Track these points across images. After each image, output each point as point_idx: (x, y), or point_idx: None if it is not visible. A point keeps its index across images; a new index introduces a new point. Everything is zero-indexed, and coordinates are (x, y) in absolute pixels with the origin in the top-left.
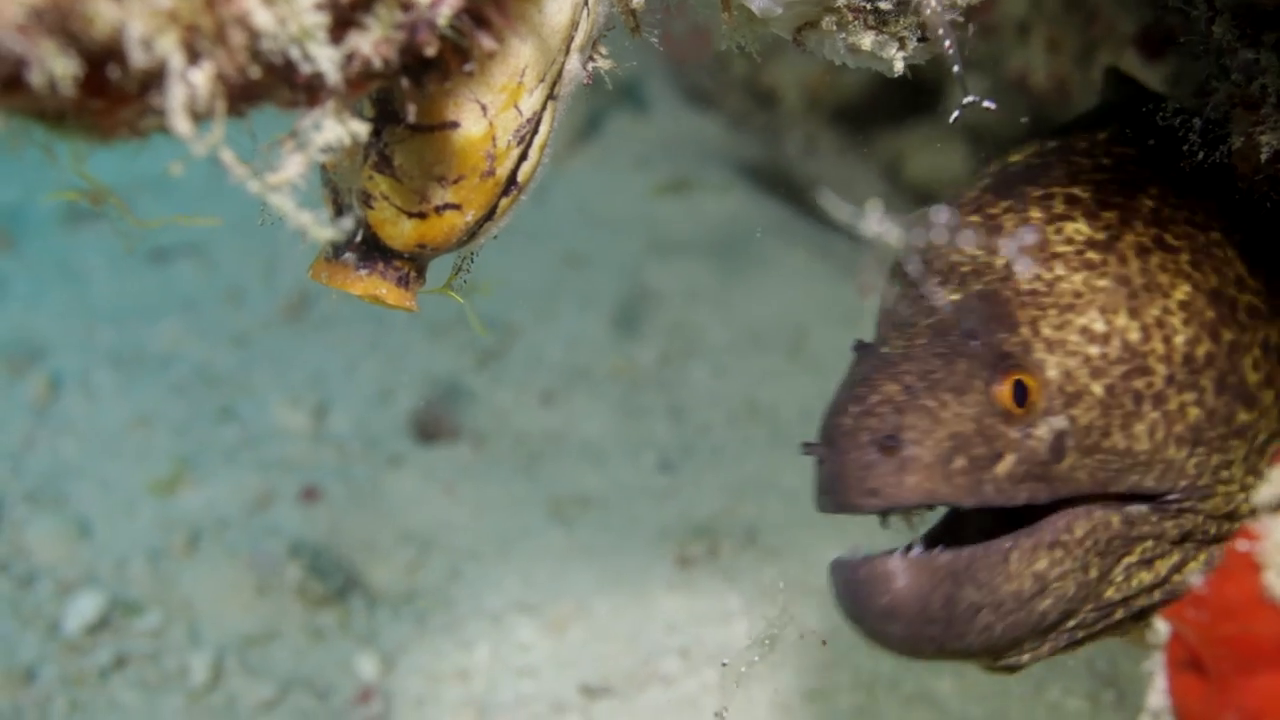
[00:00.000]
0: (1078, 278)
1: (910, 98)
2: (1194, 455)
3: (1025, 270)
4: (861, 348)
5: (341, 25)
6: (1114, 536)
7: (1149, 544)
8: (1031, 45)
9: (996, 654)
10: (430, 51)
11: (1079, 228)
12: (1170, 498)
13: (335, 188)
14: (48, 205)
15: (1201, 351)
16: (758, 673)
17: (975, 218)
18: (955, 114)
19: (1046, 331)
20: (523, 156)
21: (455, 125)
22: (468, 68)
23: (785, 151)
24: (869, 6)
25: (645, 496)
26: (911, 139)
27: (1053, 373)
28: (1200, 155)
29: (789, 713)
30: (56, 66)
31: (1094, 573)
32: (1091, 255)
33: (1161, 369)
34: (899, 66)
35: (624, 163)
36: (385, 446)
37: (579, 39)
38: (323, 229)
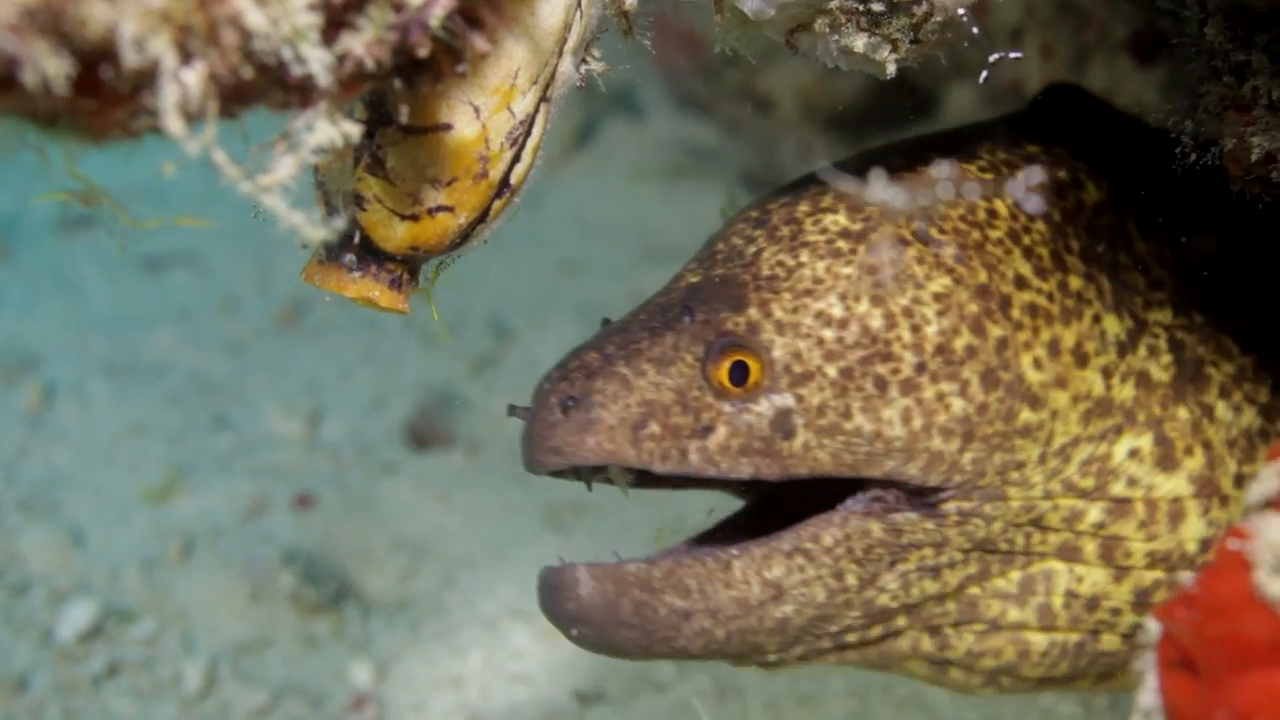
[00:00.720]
0: (821, 265)
1: (904, 104)
2: (968, 450)
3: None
4: (604, 322)
5: (334, 26)
6: (875, 544)
7: (927, 552)
8: (1025, 51)
9: (729, 655)
10: (423, 53)
11: (837, 219)
12: (945, 494)
13: (327, 190)
14: (42, 214)
15: (960, 344)
16: (751, 679)
17: (754, 212)
18: (984, 74)
19: (778, 314)
20: (516, 159)
21: (448, 127)
22: (461, 69)
23: (780, 158)
24: (861, 8)
25: (639, 502)
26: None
27: (779, 353)
28: (1192, 158)
29: (782, 718)
30: (49, 66)
31: (851, 580)
32: (841, 244)
33: (909, 356)
34: (891, 69)
35: (619, 170)
36: (379, 454)
37: (572, 41)
38: (315, 229)
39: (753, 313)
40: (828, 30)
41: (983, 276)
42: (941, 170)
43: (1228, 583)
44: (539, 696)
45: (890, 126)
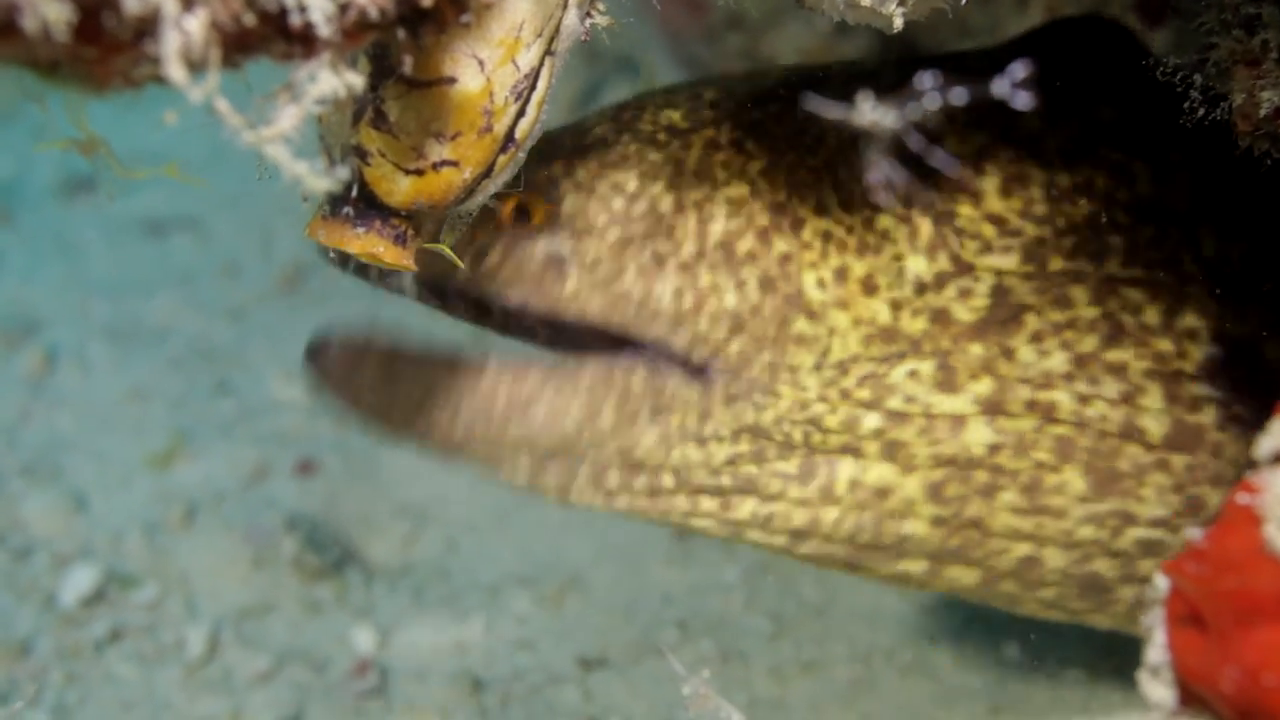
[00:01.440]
0: (633, 146)
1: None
2: (735, 340)
3: None
4: None
5: None
6: (635, 393)
7: (691, 420)
8: (1030, 13)
9: (470, 458)
10: (427, 2)
11: (671, 115)
12: (713, 375)
13: (328, 144)
14: (43, 178)
15: (743, 247)
16: (754, 645)
17: (632, 99)
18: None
19: (580, 175)
20: (520, 113)
21: (452, 81)
22: (465, 19)
23: None
24: None
25: None
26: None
27: (567, 205)
28: (1201, 112)
29: (785, 683)
30: (50, 12)
31: (606, 421)
32: (661, 136)
33: (690, 243)
34: (898, 23)
35: None
36: None
37: None
38: (318, 179)
39: (556, 168)
40: None
41: (781, 195)
42: (924, 80)
43: (1237, 537)
44: (542, 661)
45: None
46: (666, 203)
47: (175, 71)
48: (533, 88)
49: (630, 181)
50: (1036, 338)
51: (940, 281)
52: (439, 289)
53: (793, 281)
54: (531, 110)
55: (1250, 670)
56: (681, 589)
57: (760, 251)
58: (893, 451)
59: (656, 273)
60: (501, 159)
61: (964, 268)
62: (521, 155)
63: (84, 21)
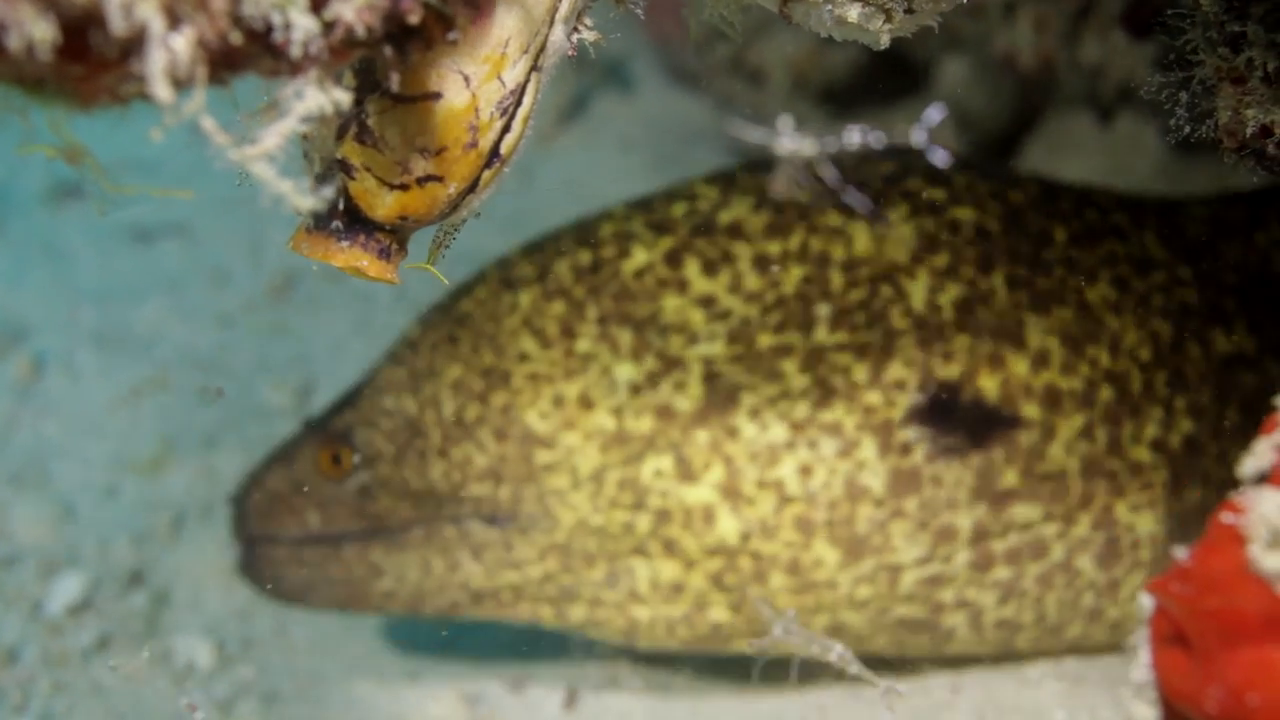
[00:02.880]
0: (386, 369)
1: (898, 77)
2: (501, 488)
3: None
4: None
5: None
6: (450, 542)
7: (499, 551)
8: (1018, 25)
9: (365, 609)
10: (414, 19)
11: (414, 329)
12: (502, 522)
13: (313, 158)
14: (31, 185)
15: (471, 415)
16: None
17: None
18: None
19: (364, 409)
20: (506, 128)
21: (438, 96)
22: (451, 36)
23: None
24: None
25: None
26: (899, 118)
27: (358, 441)
28: (1187, 130)
29: None
30: (35, 31)
31: (437, 568)
32: (399, 350)
33: (435, 433)
34: (885, 39)
35: (610, 143)
36: None
37: (563, 9)
38: (303, 197)
39: (348, 415)
40: (821, 0)
41: (488, 359)
42: (849, 127)
43: (1221, 557)
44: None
45: (883, 100)
46: (411, 407)
47: (161, 90)
48: (518, 103)
49: (388, 400)
50: (754, 413)
51: (653, 380)
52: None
53: (519, 423)
54: (517, 125)
55: (1234, 690)
56: None
57: (484, 413)
58: (671, 549)
59: (425, 464)
60: (486, 174)
61: (673, 362)
62: (506, 170)
63: (70, 40)
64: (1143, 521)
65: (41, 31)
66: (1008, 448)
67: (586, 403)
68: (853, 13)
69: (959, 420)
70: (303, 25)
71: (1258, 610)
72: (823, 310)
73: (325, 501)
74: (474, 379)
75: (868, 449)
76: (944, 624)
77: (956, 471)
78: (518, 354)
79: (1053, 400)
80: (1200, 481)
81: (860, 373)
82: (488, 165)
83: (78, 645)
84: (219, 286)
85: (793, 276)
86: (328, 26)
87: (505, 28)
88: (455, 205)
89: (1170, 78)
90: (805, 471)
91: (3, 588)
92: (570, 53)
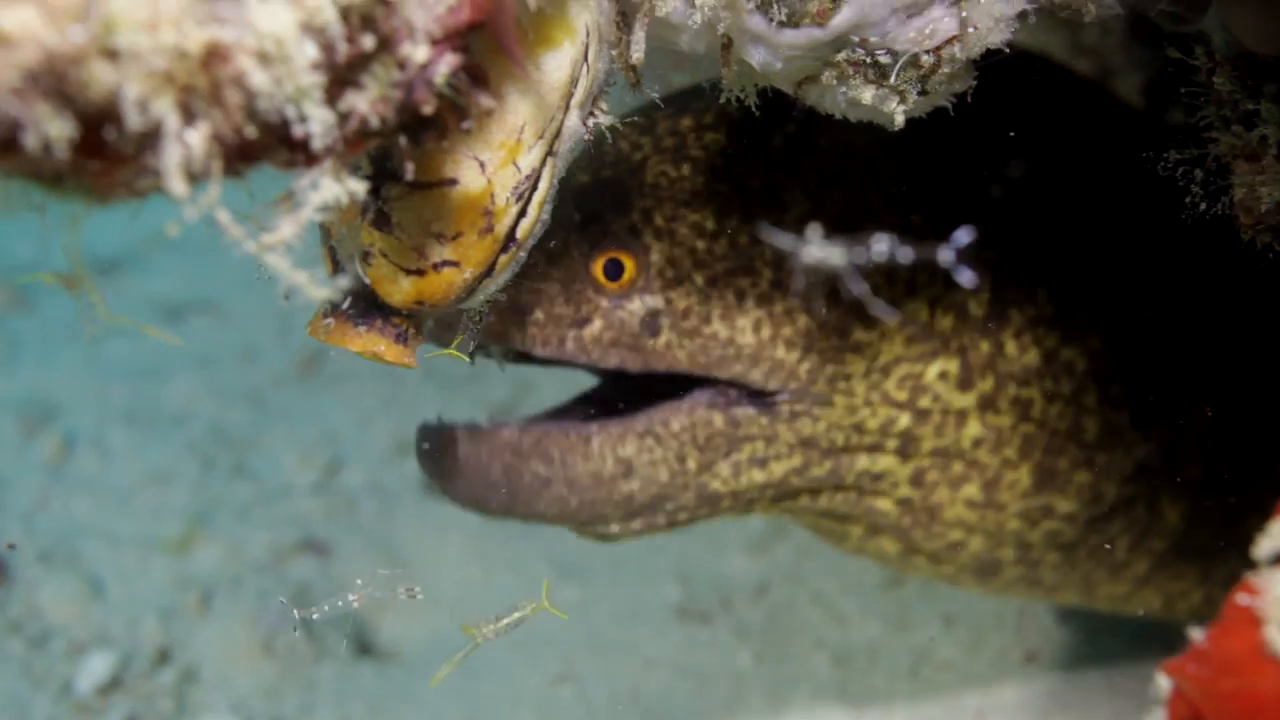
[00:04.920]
0: (700, 179)
1: None
2: (806, 360)
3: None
4: None
5: (338, 84)
6: (716, 434)
7: (759, 445)
8: None
9: (577, 522)
10: (428, 110)
11: (718, 138)
12: (780, 398)
13: (335, 249)
14: (61, 263)
15: None
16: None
17: (640, 119)
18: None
19: (658, 220)
20: (521, 213)
21: (453, 182)
22: (466, 125)
23: None
24: (869, 60)
25: (660, 547)
26: None
27: (655, 256)
28: (1202, 206)
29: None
30: (52, 129)
31: (692, 464)
32: (719, 163)
33: (768, 272)
34: (899, 120)
35: None
36: (398, 502)
37: (578, 95)
38: (319, 288)
39: (635, 217)
40: (835, 82)
41: (839, 203)
42: (876, 237)
43: (1237, 638)
44: None
45: None
46: (744, 236)
47: (176, 186)
48: (534, 188)
49: (709, 220)
50: (1018, 333)
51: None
52: (525, 356)
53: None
54: (533, 210)
55: None
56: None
57: None
58: (905, 448)
59: (739, 310)
60: (503, 259)
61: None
62: (523, 255)
63: (86, 136)
64: (1172, 514)
65: (58, 130)
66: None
67: (912, 285)
68: (867, 94)
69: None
70: (318, 118)
71: (1274, 692)
72: (1051, 243)
73: (591, 316)
74: (825, 222)
75: (1091, 395)
76: (1006, 574)
77: (1145, 447)
78: (864, 208)
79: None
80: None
81: (1085, 315)
82: (504, 250)
83: None
84: (248, 363)
85: (1023, 205)
86: (342, 118)
87: (520, 114)
88: (471, 290)
89: (1185, 154)
90: (1049, 399)
91: (32, 667)
92: (587, 137)
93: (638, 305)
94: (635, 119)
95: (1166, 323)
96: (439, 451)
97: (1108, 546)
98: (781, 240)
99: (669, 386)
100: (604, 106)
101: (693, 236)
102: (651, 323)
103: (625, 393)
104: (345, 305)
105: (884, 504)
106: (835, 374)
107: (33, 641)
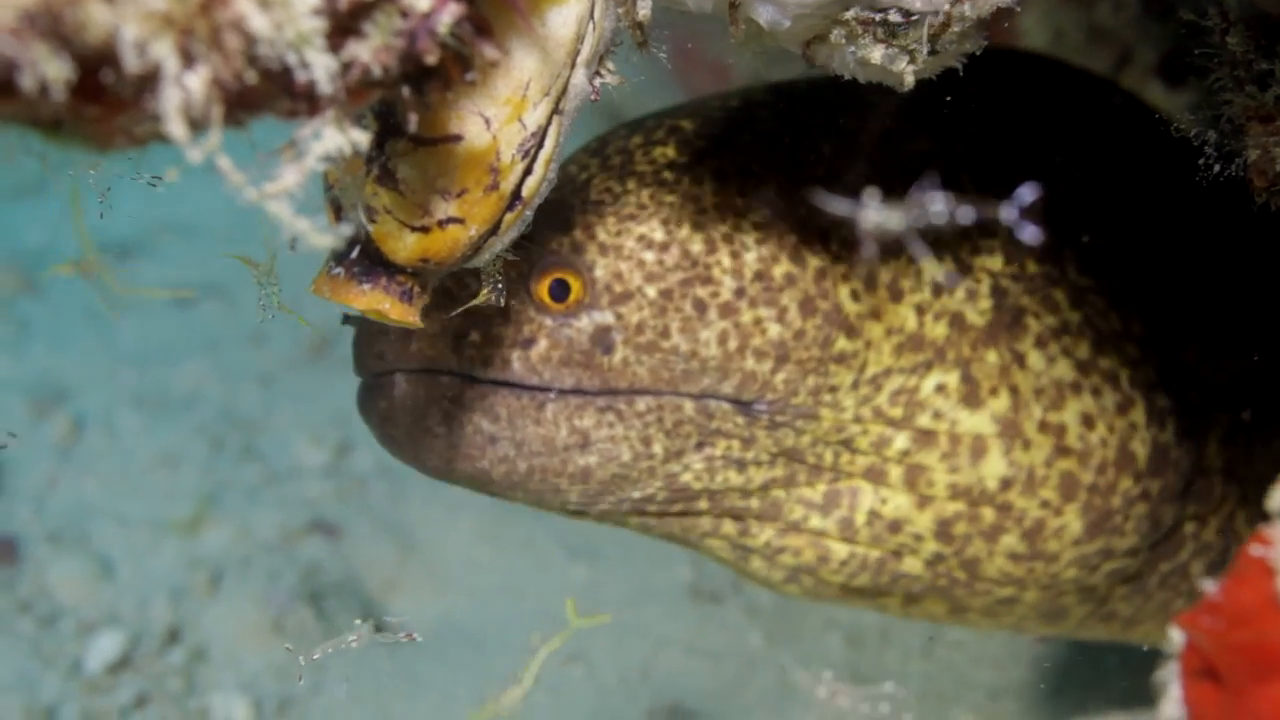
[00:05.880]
0: (645, 192)
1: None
2: (781, 371)
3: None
4: None
5: (340, 32)
6: (685, 421)
7: (735, 444)
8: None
9: (530, 491)
10: (431, 60)
11: (666, 151)
12: (758, 408)
13: (337, 201)
14: (72, 249)
15: (779, 271)
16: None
17: (594, 143)
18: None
19: (602, 236)
20: (528, 171)
21: (458, 138)
22: (470, 77)
23: None
24: (878, 19)
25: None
26: None
27: (600, 272)
28: (1216, 169)
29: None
30: (49, 70)
31: (658, 448)
32: (667, 174)
33: (729, 281)
34: (909, 80)
35: None
36: (407, 484)
37: (585, 53)
38: (321, 235)
39: (577, 234)
40: (844, 42)
41: (803, 210)
42: (934, 197)
43: (1250, 590)
44: None
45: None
46: (697, 244)
47: (176, 128)
48: (540, 146)
49: (656, 230)
50: (1040, 342)
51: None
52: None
53: (830, 297)
54: (539, 169)
55: None
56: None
57: (796, 273)
58: (914, 478)
59: (700, 321)
60: (508, 217)
61: (964, 268)
62: (529, 214)
63: (84, 79)
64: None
65: (55, 71)
66: (1213, 438)
67: (895, 292)
68: (876, 54)
69: (1184, 399)
70: (320, 64)
71: None
72: (1066, 250)
73: (536, 336)
74: (787, 230)
75: (1139, 411)
76: (1073, 614)
77: (1189, 460)
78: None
79: (1212, 396)
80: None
81: (1115, 320)
82: (509, 208)
83: (115, 703)
84: (257, 347)
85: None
86: (345, 67)
87: (525, 70)
88: (477, 248)
89: (1199, 116)
90: (1087, 422)
91: (42, 646)
92: (594, 96)
93: (585, 322)
94: (589, 144)
95: (1204, 319)
96: (378, 393)
97: (1178, 564)
98: (839, 206)
99: None
100: (610, 66)
101: (640, 249)
102: (603, 339)
103: None
104: (350, 261)
105: (911, 565)
106: (819, 386)
107: (42, 621)
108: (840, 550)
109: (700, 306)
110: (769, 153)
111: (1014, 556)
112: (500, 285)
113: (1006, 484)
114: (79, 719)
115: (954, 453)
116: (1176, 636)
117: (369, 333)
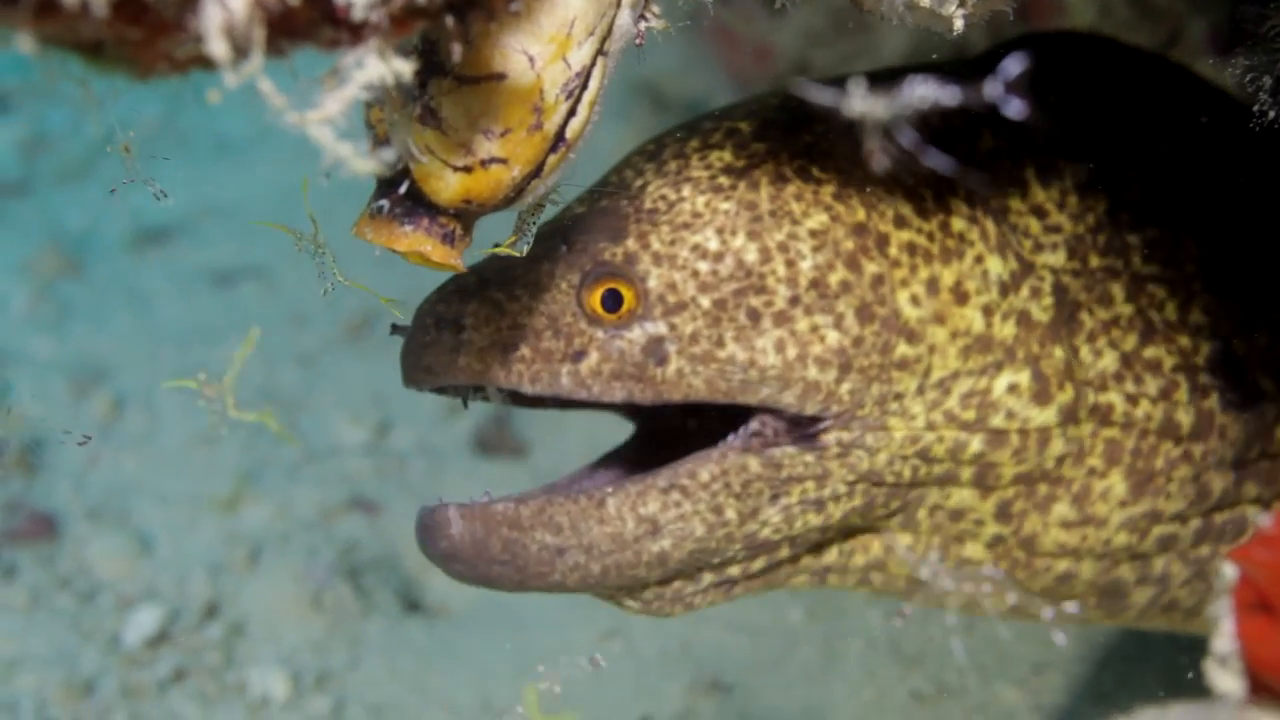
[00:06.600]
0: (701, 200)
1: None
2: (845, 380)
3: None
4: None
5: None
6: (753, 479)
7: (809, 485)
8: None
9: (610, 587)
10: None
11: (723, 155)
12: (824, 424)
13: (377, 134)
14: (114, 231)
15: (835, 279)
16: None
17: (650, 145)
18: None
19: (655, 245)
20: (571, 112)
21: (502, 76)
22: (515, 7)
23: None
24: None
25: None
26: None
27: (653, 283)
28: (1271, 115)
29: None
30: None
31: (731, 514)
32: (722, 180)
33: (783, 290)
34: (959, 24)
35: None
36: (447, 462)
37: None
38: (362, 160)
39: (630, 243)
40: None
41: (860, 215)
42: (916, 79)
43: None
44: (617, 700)
45: None
46: (751, 253)
47: (218, 47)
48: (584, 87)
49: (710, 240)
50: (1091, 337)
51: (1015, 282)
52: (540, 399)
53: (888, 303)
54: (583, 110)
55: None
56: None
57: (852, 280)
58: (983, 477)
59: (755, 330)
60: (552, 159)
61: (1028, 266)
62: (573, 156)
63: (126, 1)
64: None
65: None
66: (1267, 415)
67: (960, 294)
68: None
69: (1236, 376)
70: None
71: None
72: (1133, 239)
73: (587, 349)
74: (844, 235)
75: (1183, 390)
76: (1133, 599)
77: (1235, 428)
78: (895, 217)
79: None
80: None
81: (1171, 310)
82: (553, 149)
83: (154, 677)
84: (297, 327)
85: (1101, 202)
86: None
87: (570, 7)
88: (520, 190)
89: (1255, 60)
90: (1130, 400)
91: (81, 620)
92: (639, 40)
93: (638, 333)
94: (645, 146)
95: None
96: (436, 532)
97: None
98: (820, 95)
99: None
100: (656, 10)
101: (695, 259)
102: (656, 350)
103: (658, 448)
104: (392, 205)
105: (973, 550)
106: (884, 394)
107: (82, 596)
108: (904, 539)
109: (755, 315)
110: (829, 154)
111: (1066, 524)
112: (529, 235)
113: (1061, 459)
114: (118, 692)
115: (1024, 447)
116: (1229, 571)
117: (417, 345)
